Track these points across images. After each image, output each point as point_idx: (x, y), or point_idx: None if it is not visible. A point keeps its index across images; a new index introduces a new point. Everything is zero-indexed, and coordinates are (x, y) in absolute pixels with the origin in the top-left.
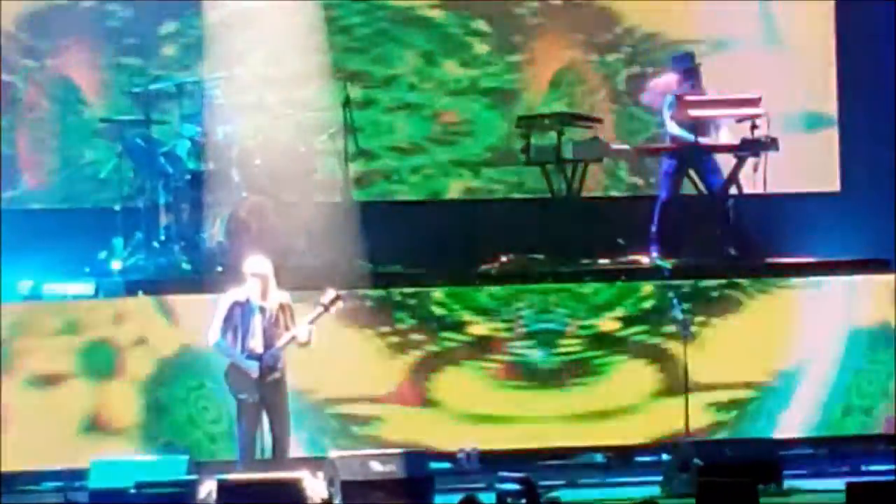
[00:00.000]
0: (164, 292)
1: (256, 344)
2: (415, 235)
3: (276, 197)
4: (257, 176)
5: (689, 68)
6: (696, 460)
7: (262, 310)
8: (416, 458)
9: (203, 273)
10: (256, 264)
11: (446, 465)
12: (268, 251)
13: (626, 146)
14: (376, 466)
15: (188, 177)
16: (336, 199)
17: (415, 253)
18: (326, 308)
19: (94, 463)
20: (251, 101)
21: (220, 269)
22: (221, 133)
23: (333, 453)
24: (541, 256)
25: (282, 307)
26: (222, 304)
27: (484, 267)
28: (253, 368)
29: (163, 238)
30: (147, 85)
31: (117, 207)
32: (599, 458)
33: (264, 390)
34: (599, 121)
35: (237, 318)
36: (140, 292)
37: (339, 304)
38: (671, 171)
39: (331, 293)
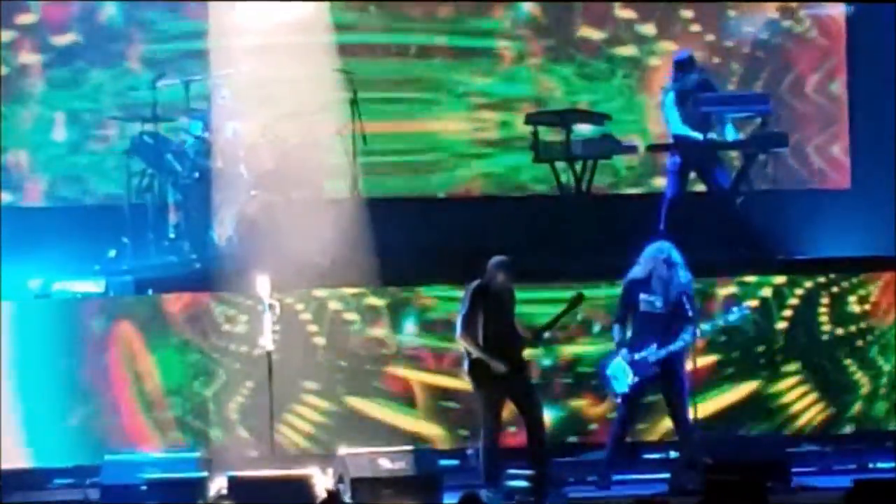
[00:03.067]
0: (173, 290)
1: (502, 335)
2: (423, 232)
3: (285, 194)
4: (266, 173)
5: (686, 68)
6: (703, 458)
7: (502, 301)
8: (426, 455)
9: (212, 271)
10: (500, 258)
11: (455, 461)
12: (276, 248)
13: (635, 143)
14: (386, 463)
15: (197, 175)
16: (345, 196)
17: (423, 249)
18: (571, 307)
19: (107, 460)
20: (259, 99)
21: (229, 266)
22: (230, 131)
23: (343, 450)
24: (550, 253)
25: (512, 295)
26: (466, 297)
27: None
28: (500, 364)
29: (172, 236)
30: (155, 82)
31: (126, 205)
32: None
33: (511, 384)
34: (608, 117)
35: (483, 308)
36: (149, 290)
37: (581, 303)
38: (676, 169)
39: (575, 293)
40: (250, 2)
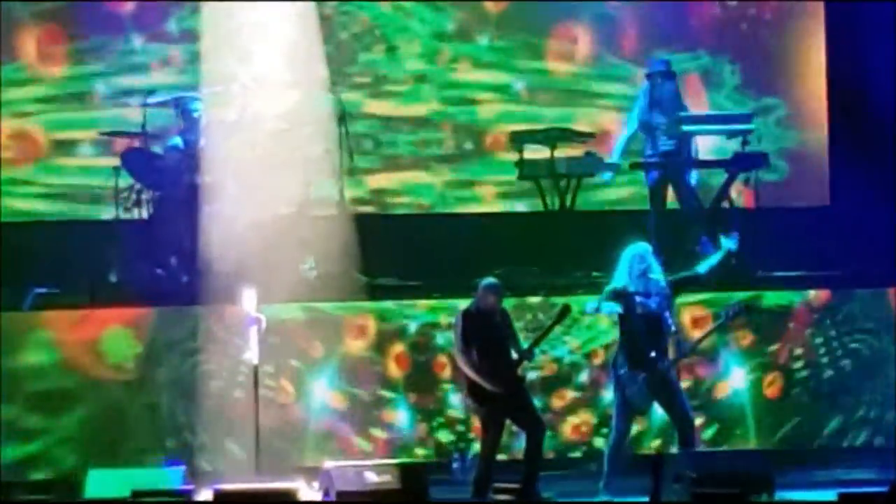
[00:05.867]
0: (160, 304)
1: (495, 356)
2: (410, 248)
3: (272, 210)
4: (254, 189)
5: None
6: (688, 471)
7: (493, 323)
8: (412, 468)
9: (199, 284)
10: (490, 280)
11: (441, 475)
12: (264, 264)
13: (618, 161)
14: (372, 477)
15: (185, 190)
16: (332, 212)
17: (409, 265)
18: (558, 320)
19: (91, 473)
20: (248, 115)
21: (216, 280)
22: (218, 146)
23: (329, 463)
24: (535, 269)
25: (504, 316)
26: (457, 322)
27: (478, 280)
28: (495, 384)
29: (160, 250)
30: (145, 98)
31: (114, 219)
32: (593, 467)
33: (509, 402)
34: (592, 136)
35: (473, 332)
36: (135, 303)
37: (568, 315)
38: (654, 184)
39: (560, 308)
40: (242, 17)
